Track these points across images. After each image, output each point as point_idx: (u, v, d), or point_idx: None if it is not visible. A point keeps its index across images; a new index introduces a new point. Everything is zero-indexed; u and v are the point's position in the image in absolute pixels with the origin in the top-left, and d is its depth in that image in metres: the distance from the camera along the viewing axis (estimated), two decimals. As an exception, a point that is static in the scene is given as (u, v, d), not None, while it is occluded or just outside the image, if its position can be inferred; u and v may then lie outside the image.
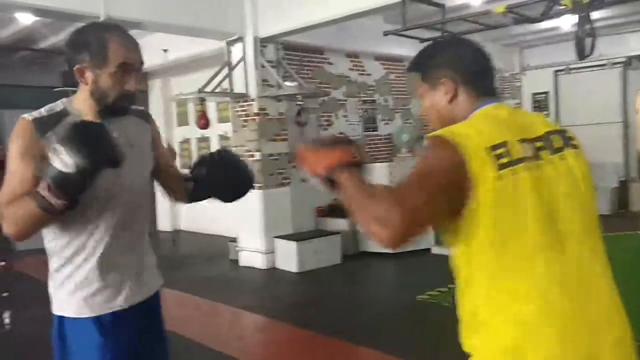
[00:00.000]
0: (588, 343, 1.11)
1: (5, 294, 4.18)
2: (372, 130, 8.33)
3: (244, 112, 6.38)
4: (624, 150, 9.00)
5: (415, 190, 1.09)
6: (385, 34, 5.21)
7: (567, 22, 7.20)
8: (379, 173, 6.55)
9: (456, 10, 6.11)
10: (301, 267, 6.01)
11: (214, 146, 8.48)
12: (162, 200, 8.45)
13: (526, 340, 1.10)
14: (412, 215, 1.05)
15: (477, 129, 1.17)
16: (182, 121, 9.24)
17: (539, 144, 1.20)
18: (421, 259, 6.05)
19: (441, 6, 5.10)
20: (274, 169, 6.39)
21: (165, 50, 7.61)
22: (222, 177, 1.79)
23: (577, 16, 4.07)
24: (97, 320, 1.57)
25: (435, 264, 5.70)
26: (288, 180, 6.54)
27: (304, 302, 5.10)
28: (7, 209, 1.46)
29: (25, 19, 6.37)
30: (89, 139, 1.35)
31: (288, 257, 6.10)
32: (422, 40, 5.63)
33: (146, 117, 1.78)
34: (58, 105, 1.57)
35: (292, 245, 6.05)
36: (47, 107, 1.57)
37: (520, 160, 1.14)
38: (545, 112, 9.66)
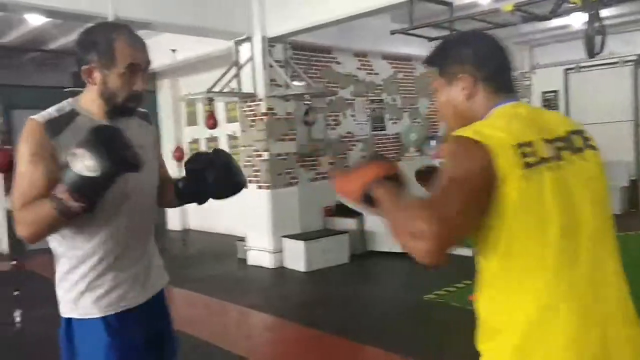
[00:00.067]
0: (599, 342, 1.11)
1: (16, 293, 4.22)
2: (380, 130, 8.32)
3: (252, 112, 6.39)
4: (634, 149, 8.91)
5: (447, 199, 1.05)
6: (392, 33, 5.20)
7: (577, 20, 7.13)
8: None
9: (464, 8, 6.09)
10: (309, 267, 6.01)
11: (223, 146, 8.50)
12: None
13: (535, 339, 1.10)
14: (447, 227, 1.01)
15: (503, 128, 1.14)
16: (191, 121, 9.27)
17: (559, 144, 1.18)
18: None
19: (449, 5, 5.08)
20: (282, 168, 6.40)
21: (173, 51, 7.64)
22: (213, 174, 1.76)
23: (586, 14, 4.04)
24: (105, 320, 1.58)
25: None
26: (296, 180, 6.54)
27: (311, 302, 5.10)
28: (22, 211, 1.46)
29: (35, 20, 6.43)
30: (112, 143, 1.36)
31: (296, 257, 6.11)
32: (430, 39, 5.62)
33: (147, 118, 1.79)
34: (66, 105, 1.57)
35: (300, 244, 6.05)
36: (55, 107, 1.56)
37: (544, 160, 1.13)
38: (554, 111, 9.57)
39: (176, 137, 9.36)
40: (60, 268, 1.60)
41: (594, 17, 3.96)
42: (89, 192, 1.38)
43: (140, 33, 1.63)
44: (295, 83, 6.36)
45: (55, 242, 1.58)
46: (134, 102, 1.58)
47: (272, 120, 6.30)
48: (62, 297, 1.61)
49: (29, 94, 7.28)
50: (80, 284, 1.58)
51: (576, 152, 1.20)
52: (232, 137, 8.24)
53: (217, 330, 4.46)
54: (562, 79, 9.73)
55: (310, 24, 5.75)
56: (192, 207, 9.07)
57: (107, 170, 1.34)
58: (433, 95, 1.29)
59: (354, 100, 7.94)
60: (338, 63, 7.71)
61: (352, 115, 7.92)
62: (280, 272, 6.17)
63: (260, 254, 6.39)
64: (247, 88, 6.33)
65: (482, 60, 1.26)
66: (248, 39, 6.22)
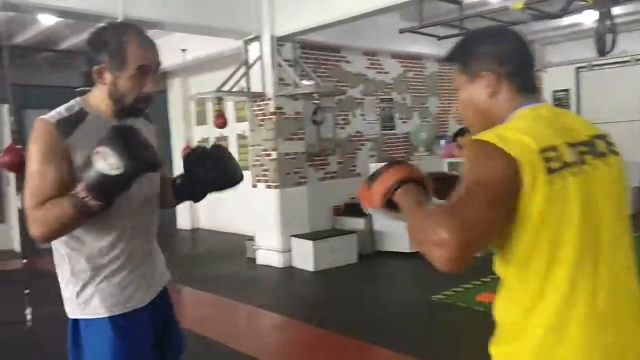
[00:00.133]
0: (616, 346, 1.11)
1: (26, 291, 4.26)
2: (390, 129, 8.29)
3: (261, 111, 6.40)
4: (647, 149, 8.79)
5: (470, 207, 1.03)
6: (401, 31, 5.18)
7: (589, 18, 7.06)
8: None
9: (474, 7, 6.04)
10: (317, 266, 6.01)
11: (232, 145, 8.53)
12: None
13: (554, 343, 1.09)
14: (469, 235, 0.99)
15: (526, 131, 1.11)
16: (201, 120, 9.30)
17: (582, 148, 1.16)
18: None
19: (459, 3, 5.05)
20: (291, 168, 6.40)
21: (183, 50, 7.67)
22: (207, 170, 1.72)
23: (597, 12, 3.99)
24: (112, 320, 1.59)
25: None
26: (305, 180, 6.54)
27: (320, 302, 5.10)
28: (35, 211, 1.46)
29: (47, 20, 6.49)
30: (133, 143, 1.39)
31: (304, 256, 6.11)
32: (440, 37, 5.60)
33: (149, 117, 1.79)
34: (75, 105, 1.57)
35: (309, 244, 6.05)
36: (64, 107, 1.56)
37: (567, 165, 1.11)
38: (577, 115, 9.47)
39: (186, 136, 9.40)
40: (66, 269, 1.60)
41: (605, 15, 3.91)
42: (111, 190, 1.40)
43: (151, 32, 1.63)
44: (304, 82, 6.36)
45: (61, 243, 1.58)
46: (143, 103, 1.58)
47: (281, 120, 6.30)
48: (69, 298, 1.61)
49: (40, 94, 7.35)
50: (87, 284, 1.58)
51: (599, 157, 1.18)
52: (241, 137, 8.26)
53: (226, 329, 4.47)
54: (574, 78, 9.64)
55: (319, 23, 5.75)
56: (202, 206, 9.13)
57: (129, 169, 1.36)
58: (455, 93, 1.24)
59: (363, 99, 7.92)
60: (347, 62, 7.69)
61: (362, 115, 7.90)
62: (289, 271, 6.17)
63: (269, 253, 6.40)
64: (256, 87, 6.34)
65: (506, 56, 1.23)
66: (257, 38, 6.23)
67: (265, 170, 6.40)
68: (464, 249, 0.98)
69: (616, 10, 4.32)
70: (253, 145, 6.60)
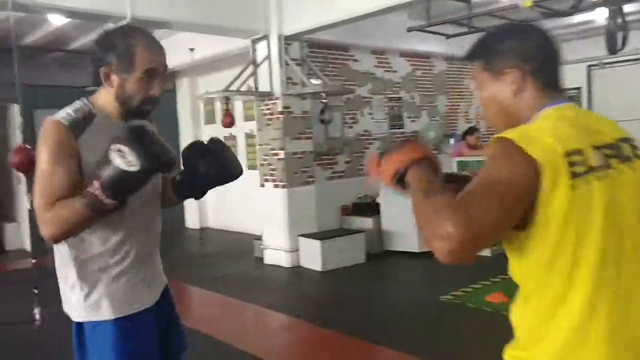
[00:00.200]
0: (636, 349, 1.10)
1: (35, 291, 4.28)
2: (398, 128, 8.25)
3: (269, 111, 6.39)
4: (660, 148, 8.69)
5: (480, 205, 1.01)
6: (409, 30, 5.15)
7: (601, 16, 6.97)
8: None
9: (482, 5, 5.99)
10: (325, 266, 5.99)
11: (241, 145, 8.54)
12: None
13: (576, 345, 1.08)
14: (475, 233, 0.98)
15: (550, 132, 1.09)
16: (209, 120, 9.32)
17: (607, 151, 1.14)
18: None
19: (467, 1, 5.01)
20: (299, 167, 6.39)
21: (192, 49, 7.69)
22: (205, 165, 1.70)
23: (608, 9, 3.94)
24: (117, 322, 1.59)
25: (461, 264, 5.61)
26: (312, 179, 6.53)
27: (327, 302, 5.09)
28: (45, 211, 1.46)
29: (57, 21, 6.53)
30: (151, 142, 1.41)
31: (312, 256, 6.10)
32: (448, 36, 5.56)
33: (150, 117, 1.79)
34: (82, 106, 1.58)
35: (316, 243, 6.04)
36: (72, 108, 1.56)
37: (592, 170, 1.08)
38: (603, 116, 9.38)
39: (195, 135, 9.42)
40: (71, 272, 1.59)
41: (616, 13, 3.85)
42: (127, 187, 1.41)
43: (159, 32, 1.63)
44: (312, 81, 6.35)
45: (66, 245, 1.57)
46: (150, 105, 1.59)
47: (288, 119, 6.29)
48: (76, 302, 1.60)
49: (49, 94, 7.39)
50: (96, 287, 1.58)
51: (625, 161, 1.15)
52: (249, 136, 8.26)
53: (233, 329, 4.47)
54: (585, 76, 9.54)
55: (326, 22, 5.73)
56: (210, 205, 9.17)
57: (146, 166, 1.38)
58: (476, 91, 1.21)
59: (371, 98, 7.88)
60: (355, 61, 7.67)
61: (370, 114, 7.87)
62: (297, 271, 6.16)
63: (276, 252, 6.40)
64: (263, 86, 6.34)
65: (530, 52, 1.20)
66: (265, 37, 6.23)
67: (273, 169, 6.39)
68: (467, 245, 0.98)
69: (627, 7, 4.26)
70: (261, 145, 6.60)
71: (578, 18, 6.82)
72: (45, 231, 1.46)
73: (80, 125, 1.51)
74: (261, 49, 6.32)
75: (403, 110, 8.33)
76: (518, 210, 1.04)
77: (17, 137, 7.00)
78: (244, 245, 7.33)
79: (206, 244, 8.58)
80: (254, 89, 6.41)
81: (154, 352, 1.67)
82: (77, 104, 1.58)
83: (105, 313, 1.58)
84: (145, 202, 1.65)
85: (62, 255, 1.60)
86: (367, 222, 6.65)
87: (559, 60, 1.23)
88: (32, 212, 1.55)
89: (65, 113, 1.53)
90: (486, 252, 5.90)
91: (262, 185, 6.53)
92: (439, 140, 8.09)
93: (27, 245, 7.91)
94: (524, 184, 1.03)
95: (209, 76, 8.77)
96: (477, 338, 3.83)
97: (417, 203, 1.10)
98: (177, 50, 7.46)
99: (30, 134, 4.72)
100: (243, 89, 6.28)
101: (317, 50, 7.08)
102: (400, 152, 1.22)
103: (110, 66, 1.53)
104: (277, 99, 6.26)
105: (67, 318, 1.66)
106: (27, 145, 4.10)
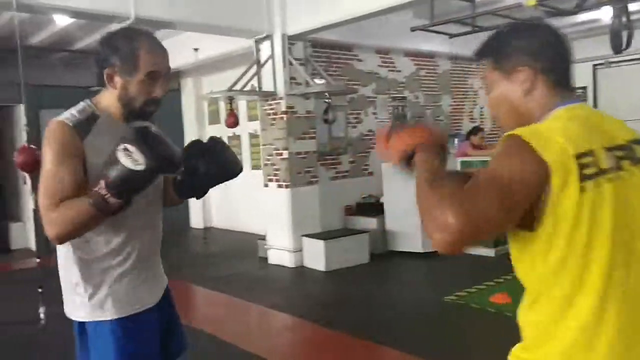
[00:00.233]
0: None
1: (40, 290, 4.30)
2: (402, 128, 8.23)
3: (272, 110, 6.39)
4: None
5: (483, 200, 1.00)
6: (413, 29, 5.14)
7: (606, 15, 6.94)
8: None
9: (486, 4, 5.97)
10: (329, 266, 5.99)
11: (245, 144, 8.55)
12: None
13: (584, 346, 1.07)
14: (475, 227, 0.98)
15: (563, 134, 1.07)
16: (214, 119, 9.33)
17: (619, 152, 1.12)
18: (450, 259, 5.94)
19: (471, 1, 4.99)
20: (302, 167, 6.38)
21: (196, 49, 7.70)
22: (205, 164, 1.69)
23: (613, 8, 3.91)
24: (119, 322, 1.59)
25: (465, 264, 5.60)
26: (316, 179, 6.53)
27: (331, 302, 5.08)
28: (51, 212, 1.46)
29: (62, 21, 6.55)
30: (157, 142, 1.42)
31: (316, 256, 6.09)
32: (451, 35, 5.54)
33: (152, 119, 1.79)
34: (86, 107, 1.59)
35: (320, 244, 6.04)
36: (76, 109, 1.57)
37: (603, 172, 1.07)
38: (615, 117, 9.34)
39: (199, 135, 9.43)
40: (74, 272, 1.60)
41: (621, 12, 3.83)
42: (133, 186, 1.42)
43: (163, 32, 1.64)
44: (316, 81, 6.34)
45: (69, 246, 1.58)
46: (152, 106, 1.60)
47: (292, 119, 6.29)
48: (79, 302, 1.61)
49: (54, 94, 7.42)
50: (100, 287, 1.59)
51: (637, 163, 1.14)
52: (253, 136, 8.27)
53: (237, 329, 4.47)
54: (591, 75, 9.49)
55: (330, 22, 5.73)
56: (214, 205, 9.18)
57: (153, 165, 1.39)
58: (485, 90, 1.19)
59: (375, 98, 7.87)
60: (359, 60, 7.66)
61: (374, 113, 7.86)
62: (300, 271, 6.16)
63: (280, 252, 6.40)
64: (267, 86, 6.34)
65: (541, 50, 1.19)
66: (268, 37, 6.23)
67: (277, 169, 6.39)
68: (466, 238, 0.98)
69: (632, 6, 4.23)
70: (264, 145, 6.60)
71: (583, 17, 6.79)
72: (51, 231, 1.47)
73: (84, 126, 1.52)
74: (265, 48, 6.32)
75: (407, 110, 8.31)
76: (523, 207, 1.04)
77: (22, 138, 7.03)
78: (248, 245, 7.33)
79: (210, 243, 8.58)
80: (257, 89, 6.42)
81: (155, 352, 1.67)
82: (81, 105, 1.59)
83: (108, 313, 1.59)
84: (150, 201, 1.66)
85: (65, 256, 1.61)
86: (371, 222, 6.64)
87: (570, 59, 1.22)
88: (37, 212, 1.55)
89: (70, 114, 1.55)
90: (490, 253, 5.89)
91: (266, 185, 6.53)
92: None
93: (33, 244, 7.94)
94: (533, 182, 1.03)
95: (213, 76, 8.78)
96: (481, 338, 3.82)
97: (421, 188, 1.10)
98: (182, 50, 7.48)
99: (35, 134, 4.74)
100: (247, 88, 6.28)
101: (320, 50, 7.08)
102: (409, 132, 1.24)
103: (114, 68, 1.54)
104: (280, 98, 6.26)
105: (69, 318, 1.66)
106: (32, 145, 4.11)
